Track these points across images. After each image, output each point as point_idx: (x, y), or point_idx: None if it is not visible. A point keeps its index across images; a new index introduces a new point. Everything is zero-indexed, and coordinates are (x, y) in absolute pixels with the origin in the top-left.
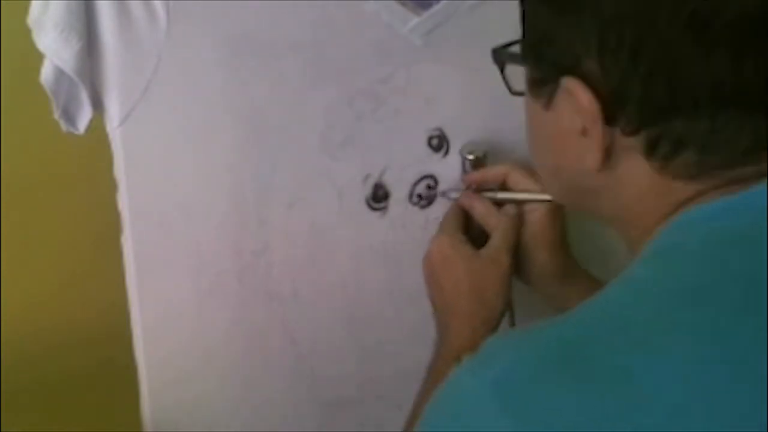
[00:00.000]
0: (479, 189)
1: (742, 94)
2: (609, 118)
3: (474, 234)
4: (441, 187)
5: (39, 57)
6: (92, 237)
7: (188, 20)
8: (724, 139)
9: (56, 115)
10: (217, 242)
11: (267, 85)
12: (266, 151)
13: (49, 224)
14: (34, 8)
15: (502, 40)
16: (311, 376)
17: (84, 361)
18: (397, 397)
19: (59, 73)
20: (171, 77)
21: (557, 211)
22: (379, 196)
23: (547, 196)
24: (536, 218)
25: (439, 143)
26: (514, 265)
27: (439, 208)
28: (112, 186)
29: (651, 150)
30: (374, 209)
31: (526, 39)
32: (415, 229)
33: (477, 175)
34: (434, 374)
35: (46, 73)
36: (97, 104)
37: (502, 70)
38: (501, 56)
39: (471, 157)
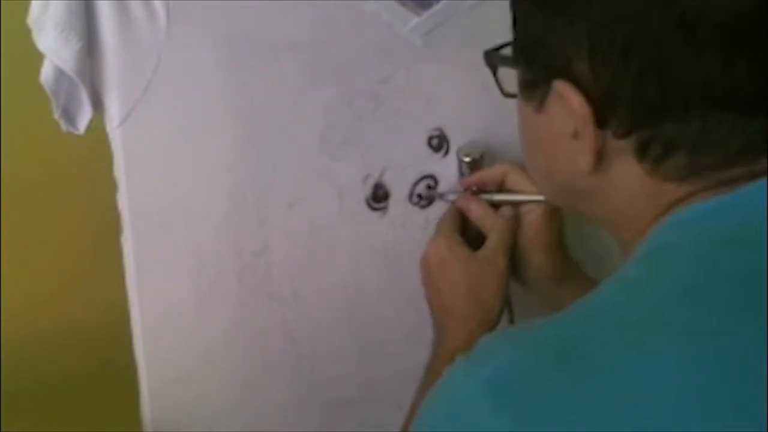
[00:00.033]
0: (477, 191)
1: (733, 94)
2: (600, 120)
3: (471, 236)
4: (441, 187)
5: (39, 57)
6: (92, 237)
7: (188, 20)
8: (716, 139)
9: (56, 115)
10: (217, 242)
11: (267, 85)
12: (266, 151)
13: (49, 224)
14: (34, 8)
15: (502, 40)
16: (311, 376)
17: (84, 361)
18: (397, 397)
19: (59, 73)
20: (171, 77)
21: (554, 213)
22: (379, 196)
23: (543, 198)
24: (533, 219)
25: (439, 143)
26: (510, 267)
27: (439, 208)
28: (112, 186)
29: (642, 152)
30: (374, 209)
31: (517, 42)
32: (415, 229)
33: (474, 177)
34: (431, 375)
35: (46, 73)
36: (97, 104)
37: (494, 73)
38: (493, 59)
39: (468, 159)
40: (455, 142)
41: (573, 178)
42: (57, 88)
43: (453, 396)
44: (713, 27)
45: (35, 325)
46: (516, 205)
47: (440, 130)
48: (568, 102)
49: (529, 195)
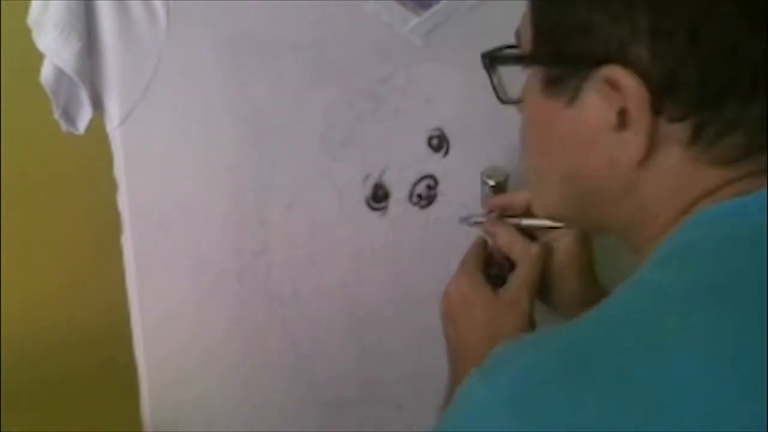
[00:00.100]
0: (502, 214)
1: None
2: (655, 105)
3: (496, 261)
4: (441, 186)
5: (39, 57)
6: (92, 237)
7: (188, 20)
8: None
9: (56, 115)
10: (217, 242)
11: (267, 85)
12: (266, 151)
13: (49, 224)
14: (34, 8)
15: (502, 40)
16: (311, 376)
17: (84, 361)
18: (397, 397)
19: (59, 73)
20: (171, 77)
21: (586, 238)
22: (379, 196)
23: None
24: (565, 245)
25: (439, 143)
26: (533, 305)
27: (439, 208)
28: (112, 186)
29: (695, 136)
30: (374, 209)
31: (540, 36)
32: (415, 229)
33: (501, 200)
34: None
35: (46, 73)
36: (97, 104)
37: (490, 76)
38: (497, 60)
39: (492, 182)
40: (455, 142)
41: (602, 178)
42: (57, 88)
43: (471, 407)
44: None
45: (35, 325)
46: (545, 230)
47: (440, 130)
48: (621, 88)
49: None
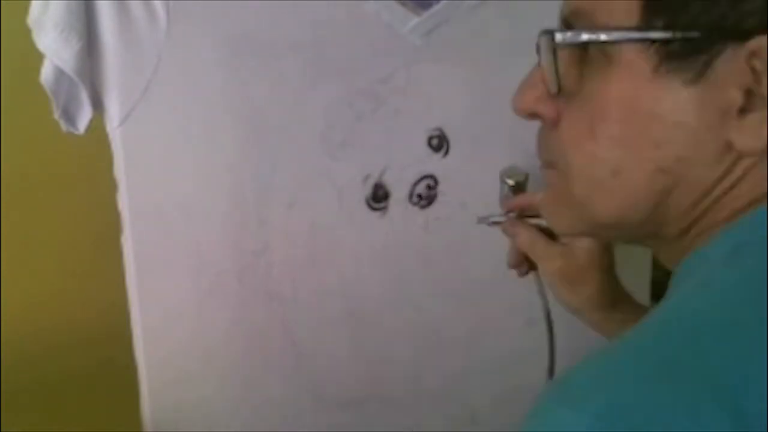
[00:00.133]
0: (521, 214)
1: None
2: None
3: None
4: (441, 186)
5: (39, 57)
6: (92, 237)
7: (188, 20)
8: None
9: (56, 115)
10: (217, 242)
11: (267, 85)
12: (266, 151)
13: (49, 224)
14: (34, 8)
15: (502, 40)
16: (311, 376)
17: (84, 361)
18: (397, 397)
19: (59, 73)
20: (171, 77)
21: None
22: (379, 196)
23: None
24: (585, 247)
25: (439, 143)
26: (560, 295)
27: (439, 208)
28: (112, 186)
29: None
30: (374, 209)
31: (653, 6)
32: (415, 229)
33: (521, 200)
34: None
35: (46, 73)
36: (97, 104)
37: (555, 60)
38: (579, 39)
39: (512, 182)
40: (455, 142)
41: (707, 167)
42: (57, 88)
43: None
44: None
45: (35, 325)
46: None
47: (440, 130)
48: (760, 66)
49: None
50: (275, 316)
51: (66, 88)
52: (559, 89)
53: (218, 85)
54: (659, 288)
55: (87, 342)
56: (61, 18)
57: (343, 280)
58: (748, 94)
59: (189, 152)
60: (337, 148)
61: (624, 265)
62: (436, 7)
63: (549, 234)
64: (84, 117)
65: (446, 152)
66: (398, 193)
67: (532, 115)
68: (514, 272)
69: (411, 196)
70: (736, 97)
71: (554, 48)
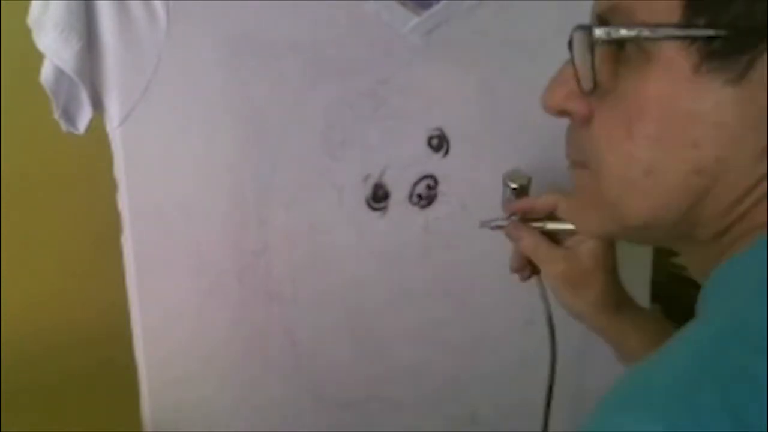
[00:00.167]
0: (524, 218)
1: None
2: None
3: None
4: (441, 186)
5: (39, 57)
6: (92, 237)
7: (188, 20)
8: None
9: (56, 115)
10: (217, 242)
11: (267, 85)
12: (266, 151)
13: (49, 224)
14: (34, 8)
15: (502, 40)
16: (311, 376)
17: (84, 361)
18: (397, 396)
19: (59, 73)
20: (171, 77)
21: (610, 242)
22: (379, 196)
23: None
24: (589, 250)
25: (439, 143)
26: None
27: (439, 208)
28: (112, 186)
29: None
30: (374, 209)
31: (695, 3)
32: (415, 229)
33: (523, 204)
34: None
35: (46, 73)
36: (97, 104)
37: (593, 57)
38: (619, 35)
39: (515, 185)
40: (455, 142)
41: (745, 168)
42: (57, 88)
43: None
44: None
45: (35, 325)
46: (569, 234)
47: (440, 130)
48: None
49: None
50: (275, 316)
51: (66, 88)
52: (595, 86)
53: (218, 85)
54: (659, 288)
55: (87, 342)
56: (61, 18)
57: (343, 280)
58: None
59: (189, 152)
60: (337, 148)
61: (624, 265)
62: (436, 7)
63: (552, 238)
64: (84, 117)
65: (446, 152)
66: (398, 193)
67: (562, 113)
68: (515, 274)
69: (411, 196)
70: None
71: (591, 44)
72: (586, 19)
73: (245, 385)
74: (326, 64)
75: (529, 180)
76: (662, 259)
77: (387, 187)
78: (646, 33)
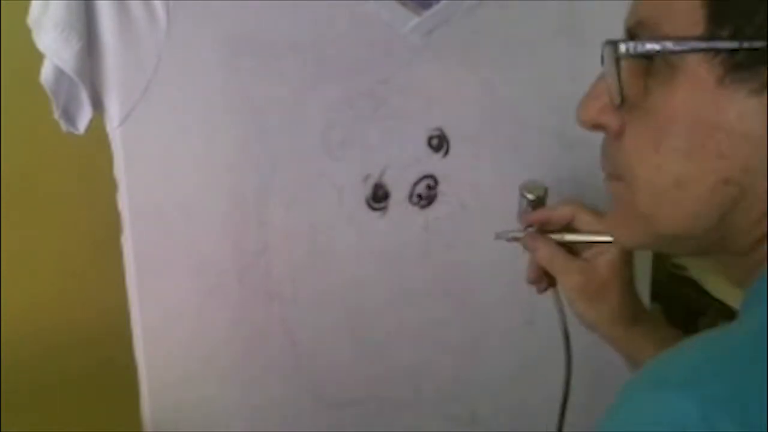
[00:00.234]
0: (541, 230)
1: None
2: None
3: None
4: (441, 186)
5: (39, 57)
6: (92, 237)
7: (188, 20)
8: None
9: (56, 115)
10: (217, 242)
11: (267, 85)
12: (266, 151)
13: (49, 224)
14: (34, 8)
15: (502, 41)
16: (311, 376)
17: (84, 362)
18: (397, 396)
19: (59, 73)
20: (171, 77)
21: (628, 253)
22: (379, 196)
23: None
24: (608, 261)
25: (439, 143)
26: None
27: (439, 208)
28: (112, 186)
29: None
30: (374, 209)
31: (718, 14)
32: (415, 229)
33: (540, 215)
34: None
35: (46, 73)
36: (97, 104)
37: (618, 71)
38: (643, 49)
39: (531, 196)
40: (455, 142)
41: (765, 176)
42: (57, 88)
43: (671, 420)
44: None
45: (35, 326)
46: (586, 245)
47: (440, 130)
48: None
49: (601, 235)
50: (275, 316)
51: (66, 88)
52: (623, 100)
53: (218, 85)
54: (659, 288)
55: (87, 342)
56: (61, 18)
57: (343, 280)
58: None
59: (189, 152)
60: (337, 148)
61: None
62: (436, 7)
63: (569, 249)
64: (84, 117)
65: (446, 152)
66: (398, 193)
67: (596, 127)
68: (513, 273)
69: (411, 196)
70: None
71: (617, 58)
72: (585, 19)
73: (245, 385)
74: (326, 64)
75: (546, 191)
76: (662, 259)
77: (387, 187)
78: (670, 46)
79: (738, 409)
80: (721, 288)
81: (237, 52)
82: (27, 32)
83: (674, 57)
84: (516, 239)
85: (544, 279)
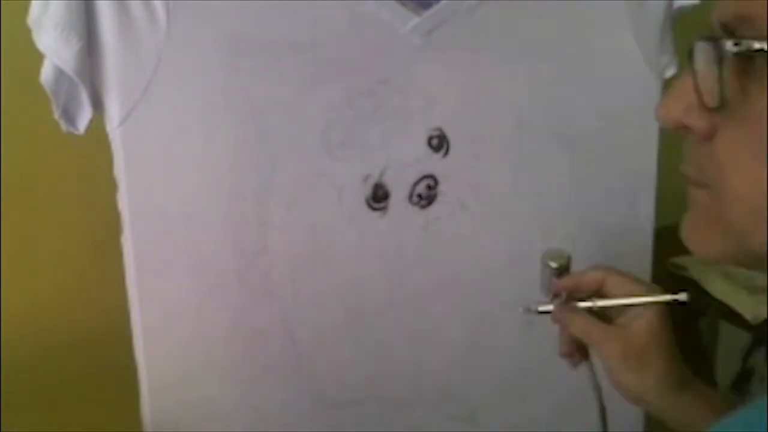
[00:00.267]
0: (570, 298)
1: None
2: None
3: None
4: (441, 186)
5: (39, 57)
6: (92, 237)
7: (188, 20)
8: None
9: (56, 115)
10: (217, 242)
11: (267, 85)
12: (266, 151)
13: (49, 224)
14: (34, 8)
15: (501, 40)
16: (311, 376)
17: (84, 362)
18: (397, 397)
19: (59, 73)
20: (171, 77)
21: (666, 313)
22: (379, 196)
23: (656, 297)
24: (646, 325)
25: (439, 143)
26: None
27: (439, 208)
28: (112, 186)
29: None
30: (374, 209)
31: None
32: (415, 229)
33: (567, 282)
34: None
35: (46, 73)
36: (97, 104)
37: (721, 72)
38: (752, 48)
39: (555, 264)
40: (455, 142)
41: None
42: (57, 88)
43: None
44: None
45: (35, 326)
46: (618, 311)
47: (440, 130)
48: None
49: (637, 298)
50: (275, 316)
51: (66, 88)
52: (722, 102)
53: (218, 85)
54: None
55: (87, 342)
56: (61, 18)
57: (343, 280)
58: None
59: (189, 152)
60: (337, 148)
61: (624, 265)
62: (436, 7)
63: (601, 317)
64: (84, 117)
65: (446, 152)
66: (398, 193)
67: (680, 128)
68: (514, 273)
69: (411, 196)
70: None
71: (720, 57)
72: (585, 19)
73: (245, 384)
74: (326, 64)
75: (569, 258)
76: (662, 259)
77: (387, 187)
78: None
79: None
80: (721, 288)
81: (237, 52)
82: (27, 32)
83: None
84: (545, 312)
85: (577, 352)
